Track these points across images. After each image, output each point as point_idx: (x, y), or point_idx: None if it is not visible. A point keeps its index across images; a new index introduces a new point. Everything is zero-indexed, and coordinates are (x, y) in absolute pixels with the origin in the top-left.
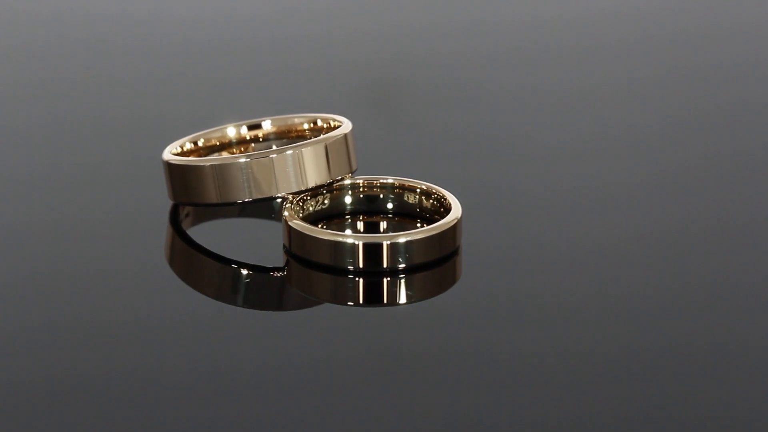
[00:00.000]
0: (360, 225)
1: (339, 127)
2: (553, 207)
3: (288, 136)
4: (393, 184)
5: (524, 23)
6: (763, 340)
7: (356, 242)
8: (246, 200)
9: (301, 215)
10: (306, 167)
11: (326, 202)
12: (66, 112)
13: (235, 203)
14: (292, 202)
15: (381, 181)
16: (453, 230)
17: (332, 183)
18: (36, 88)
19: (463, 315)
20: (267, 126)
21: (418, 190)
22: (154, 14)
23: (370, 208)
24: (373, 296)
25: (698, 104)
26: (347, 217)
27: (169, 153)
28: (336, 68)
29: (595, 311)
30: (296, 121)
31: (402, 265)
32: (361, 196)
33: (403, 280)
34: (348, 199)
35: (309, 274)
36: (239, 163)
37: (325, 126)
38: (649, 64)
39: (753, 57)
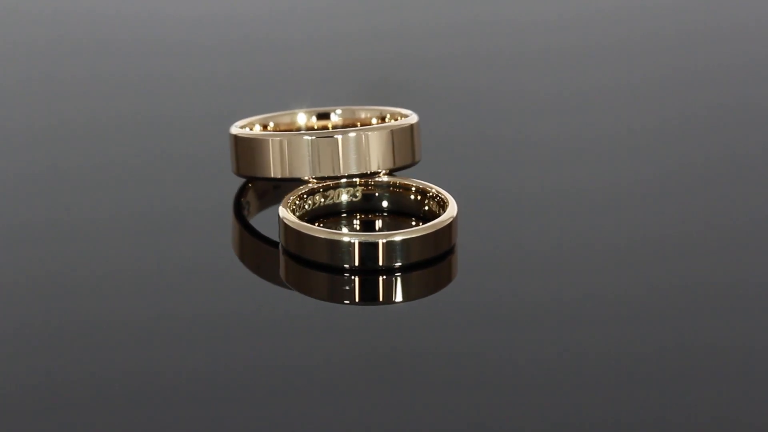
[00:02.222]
0: (356, 223)
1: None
2: (549, 207)
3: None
4: (389, 182)
5: (522, 24)
6: (764, 341)
7: (352, 240)
8: (309, 177)
9: (297, 213)
10: (371, 151)
11: (322, 200)
12: (103, 110)
13: (298, 180)
14: (288, 201)
15: (377, 179)
16: (449, 229)
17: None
18: (72, 86)
19: (459, 313)
20: (336, 116)
21: (414, 189)
22: (182, 14)
23: (366, 206)
24: (369, 294)
25: (694, 105)
26: (343, 215)
27: (237, 128)
28: (334, 67)
29: (590, 311)
30: (364, 115)
31: (398, 264)
32: (358, 194)
33: (399, 278)
34: (344, 198)
35: (305, 273)
36: (305, 139)
37: (392, 121)
38: (647, 65)
39: (753, 57)
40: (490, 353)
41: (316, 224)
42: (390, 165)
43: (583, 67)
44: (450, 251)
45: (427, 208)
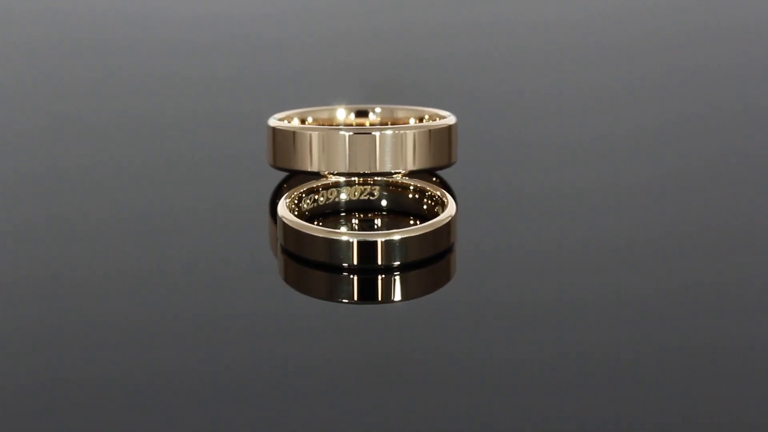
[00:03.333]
0: (355, 222)
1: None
2: (547, 206)
3: None
4: (388, 181)
5: (524, 24)
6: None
7: (351, 239)
8: (345, 172)
9: (296, 213)
10: (407, 149)
11: (321, 199)
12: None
13: (333, 174)
14: (287, 200)
15: (376, 178)
16: (447, 228)
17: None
18: (117, 86)
19: (457, 312)
20: (374, 114)
21: (412, 188)
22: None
23: (365, 205)
24: (368, 293)
25: (693, 106)
26: (342, 214)
27: (275, 120)
28: (335, 66)
29: (588, 310)
30: (402, 114)
31: (396, 263)
32: (357, 193)
33: (397, 278)
34: (343, 197)
35: (304, 272)
36: (343, 135)
37: (430, 121)
38: (647, 66)
39: (753, 57)
40: (488, 352)
41: (315, 223)
42: (427, 164)
43: (581, 68)
44: (448, 250)
45: (425, 207)
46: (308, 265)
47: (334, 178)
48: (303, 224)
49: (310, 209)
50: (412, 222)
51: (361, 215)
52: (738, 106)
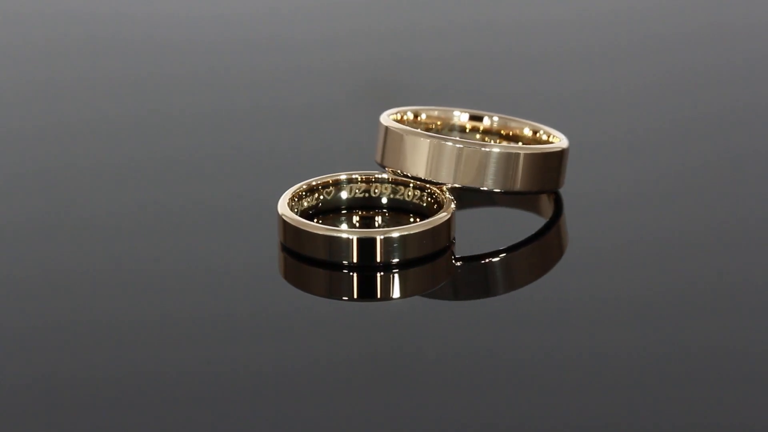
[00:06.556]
0: (355, 220)
1: (557, 142)
2: (545, 204)
3: (507, 138)
4: (388, 179)
5: (527, 24)
6: None
7: (350, 237)
8: (451, 185)
9: (297, 210)
10: (517, 170)
11: (322, 197)
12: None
13: (441, 183)
14: (287, 198)
15: (376, 176)
16: (446, 225)
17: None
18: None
19: (456, 310)
20: (489, 121)
21: (411, 185)
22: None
23: (365, 203)
24: (367, 291)
25: (694, 107)
26: (343, 212)
27: (388, 117)
28: (338, 66)
29: (588, 310)
30: (516, 125)
31: (395, 260)
32: (357, 191)
33: (396, 275)
34: (344, 195)
35: (303, 269)
36: (454, 146)
37: (544, 138)
38: (648, 67)
39: (754, 57)
40: (487, 350)
41: (315, 221)
42: (534, 187)
43: (583, 68)
44: (447, 248)
45: (425, 204)
46: (308, 263)
47: (334, 177)
48: (303, 222)
49: (310, 207)
50: (412, 219)
51: (362, 212)
52: (740, 108)
